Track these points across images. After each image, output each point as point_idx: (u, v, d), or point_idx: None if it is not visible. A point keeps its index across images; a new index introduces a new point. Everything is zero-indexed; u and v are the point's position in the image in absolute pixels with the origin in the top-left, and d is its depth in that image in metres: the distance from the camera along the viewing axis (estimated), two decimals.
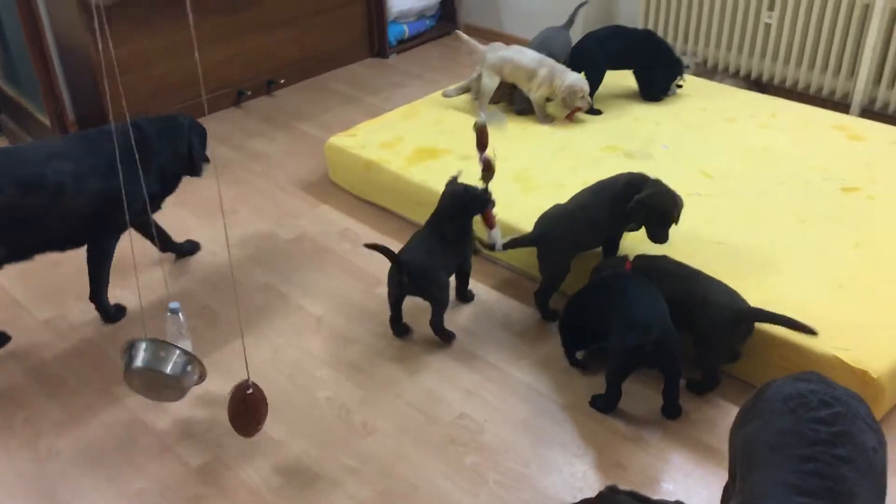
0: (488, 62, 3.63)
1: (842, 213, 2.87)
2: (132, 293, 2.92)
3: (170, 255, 3.17)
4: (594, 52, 3.68)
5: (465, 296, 2.87)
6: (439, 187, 3.14)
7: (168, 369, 2.19)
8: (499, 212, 2.88)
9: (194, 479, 2.26)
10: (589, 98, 3.54)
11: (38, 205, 2.49)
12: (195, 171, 2.91)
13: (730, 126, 3.51)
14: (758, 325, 2.37)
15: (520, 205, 3.00)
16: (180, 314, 2.50)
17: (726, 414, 2.36)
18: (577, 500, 2.13)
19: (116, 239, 2.76)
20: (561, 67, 3.55)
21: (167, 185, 2.85)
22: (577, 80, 3.50)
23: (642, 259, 2.55)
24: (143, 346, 2.18)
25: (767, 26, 4.07)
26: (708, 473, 2.19)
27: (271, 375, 2.58)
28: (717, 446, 2.26)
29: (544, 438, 2.34)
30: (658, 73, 3.74)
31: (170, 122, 2.82)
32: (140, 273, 3.08)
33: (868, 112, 3.84)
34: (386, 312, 2.75)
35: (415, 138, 3.51)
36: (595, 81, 3.61)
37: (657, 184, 2.59)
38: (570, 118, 3.59)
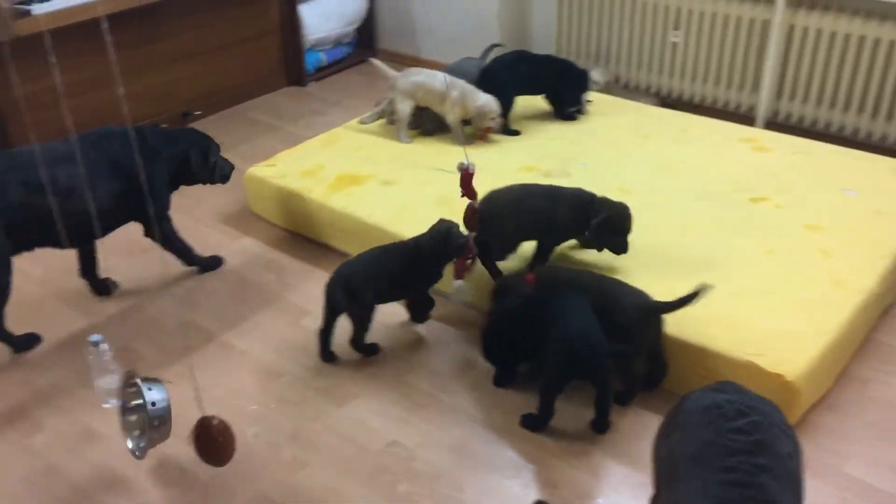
0: (400, 88, 3.65)
1: (752, 222, 2.98)
2: (48, 333, 2.82)
3: (84, 295, 3.07)
4: (501, 75, 3.75)
5: (419, 317, 2.88)
6: (363, 213, 3.14)
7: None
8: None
9: None
10: (500, 119, 3.60)
11: (47, 205, 2.55)
12: (209, 179, 3.08)
13: (644, 142, 3.61)
14: (676, 335, 2.44)
15: None
16: (102, 345, 2.42)
17: (650, 424, 2.39)
18: None
19: (167, 220, 3.01)
20: (472, 88, 3.61)
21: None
22: (488, 101, 3.56)
23: (544, 272, 2.61)
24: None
25: (675, 45, 4.22)
26: (636, 485, 2.23)
27: (196, 415, 2.51)
28: (644, 458, 2.29)
29: (477, 462, 2.34)
30: (567, 93, 3.83)
31: (173, 132, 3.03)
32: (52, 313, 2.98)
33: (772, 124, 4.00)
34: (314, 344, 2.72)
35: (336, 165, 3.50)
36: (505, 103, 3.67)
37: (605, 203, 2.71)
38: (483, 138, 3.64)
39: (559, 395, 2.39)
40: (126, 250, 3.35)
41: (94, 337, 2.41)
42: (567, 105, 3.84)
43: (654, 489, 1.62)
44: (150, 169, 2.83)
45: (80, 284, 3.07)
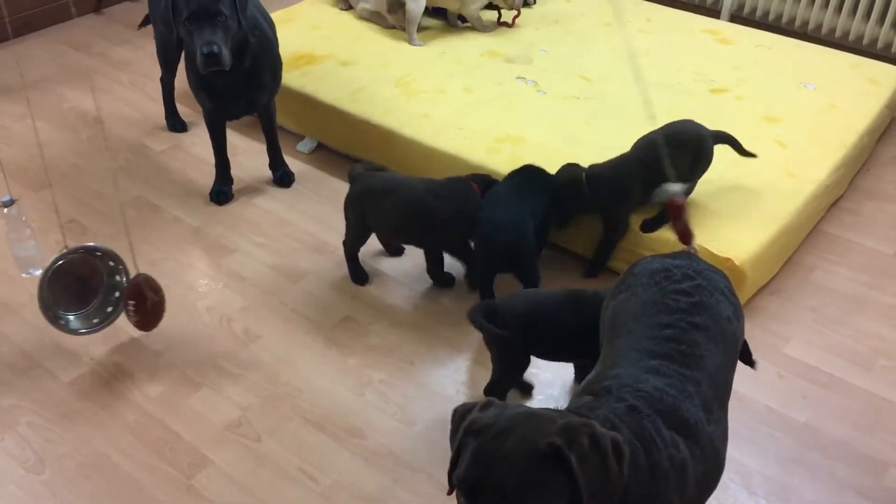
0: None
1: (712, 112, 2.95)
2: None
3: (23, 168, 2.97)
4: None
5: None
6: (318, 93, 3.06)
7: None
8: (381, 117, 2.84)
9: (69, 394, 2.17)
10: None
11: None
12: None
13: (607, 31, 3.54)
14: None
15: (400, 111, 2.96)
16: (13, 207, 2.35)
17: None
18: (459, 392, 2.19)
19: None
20: None
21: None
22: None
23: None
24: None
25: None
26: None
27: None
28: None
29: (429, 337, 2.36)
30: None
31: None
32: None
33: (737, 18, 3.95)
34: (267, 220, 2.69)
35: (292, 44, 3.38)
36: None
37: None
38: (513, 23, 3.53)
39: (491, 285, 2.38)
40: (71, 125, 3.24)
41: (5, 197, 2.32)
42: None
43: (601, 350, 1.64)
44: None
45: (21, 156, 2.97)
